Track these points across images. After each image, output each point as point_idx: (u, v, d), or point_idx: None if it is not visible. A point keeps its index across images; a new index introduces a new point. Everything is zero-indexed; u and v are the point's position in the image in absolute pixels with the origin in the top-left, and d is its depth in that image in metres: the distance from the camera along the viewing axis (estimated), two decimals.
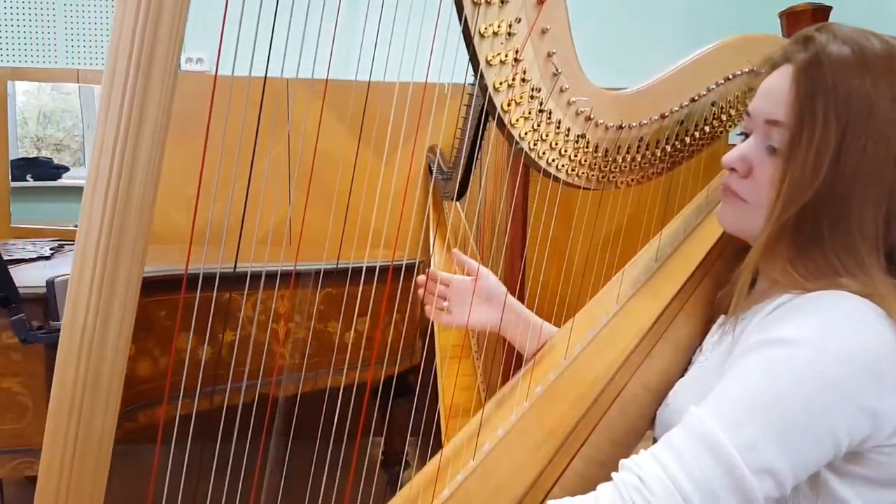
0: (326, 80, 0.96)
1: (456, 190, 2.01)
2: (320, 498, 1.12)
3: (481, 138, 1.69)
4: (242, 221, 1.03)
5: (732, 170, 0.85)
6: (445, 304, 1.15)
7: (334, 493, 1.12)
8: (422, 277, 1.17)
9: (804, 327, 0.70)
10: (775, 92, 0.80)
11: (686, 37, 2.77)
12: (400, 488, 1.04)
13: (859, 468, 0.71)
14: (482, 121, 1.62)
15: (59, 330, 1.22)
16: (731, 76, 1.11)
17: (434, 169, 2.40)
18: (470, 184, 1.98)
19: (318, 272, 1.81)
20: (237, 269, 1.68)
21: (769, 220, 0.78)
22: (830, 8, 1.28)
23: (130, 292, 0.79)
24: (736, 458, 0.66)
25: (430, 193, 2.63)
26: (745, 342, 0.76)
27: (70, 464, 0.78)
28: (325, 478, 1.09)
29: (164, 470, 0.94)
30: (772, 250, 0.79)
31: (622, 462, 0.73)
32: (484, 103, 1.00)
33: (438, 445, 1.08)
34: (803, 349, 0.69)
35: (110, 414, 0.80)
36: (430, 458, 1.03)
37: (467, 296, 1.15)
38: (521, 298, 1.24)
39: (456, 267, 1.16)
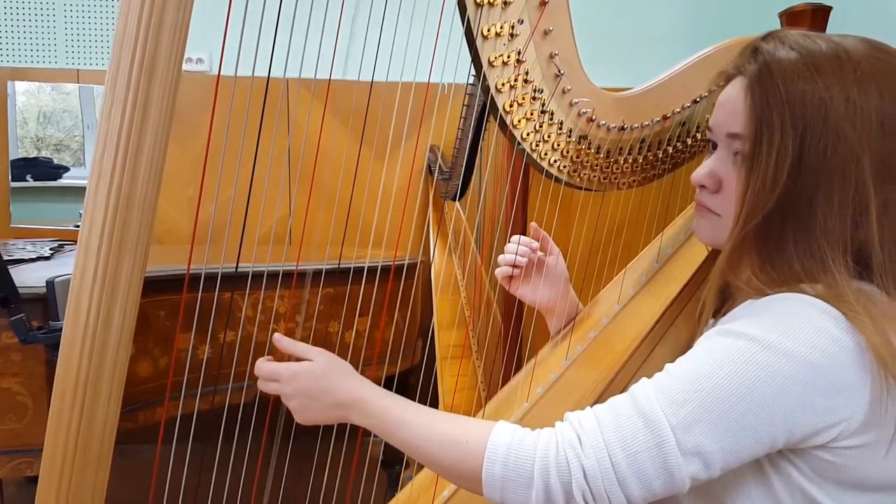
0: (329, 80, 0.96)
1: (454, 190, 2.01)
2: (321, 497, 1.12)
3: (481, 138, 1.69)
4: (245, 221, 1.03)
5: (703, 186, 0.86)
6: (514, 271, 1.14)
7: (335, 492, 1.12)
8: (518, 238, 1.14)
9: (755, 325, 0.72)
10: (731, 105, 0.80)
11: (686, 37, 2.77)
12: (400, 488, 1.05)
13: (821, 467, 0.72)
14: (482, 121, 1.62)
15: (58, 330, 1.23)
16: None
17: (434, 169, 2.41)
18: (470, 183, 1.98)
19: (318, 272, 1.81)
20: (237, 269, 1.68)
21: (733, 231, 0.79)
22: (830, 8, 1.29)
23: (133, 288, 0.79)
24: (669, 435, 0.69)
25: (431, 193, 2.63)
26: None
27: (72, 458, 0.79)
28: (325, 477, 1.09)
29: (165, 468, 0.94)
30: (738, 260, 0.80)
31: (567, 414, 0.76)
32: (485, 103, 1.00)
33: None
34: (751, 343, 0.70)
35: (112, 408, 0.80)
36: None
37: (532, 269, 1.14)
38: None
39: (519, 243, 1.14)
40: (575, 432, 0.73)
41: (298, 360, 0.90)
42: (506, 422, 0.78)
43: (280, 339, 0.91)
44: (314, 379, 0.87)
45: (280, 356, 0.92)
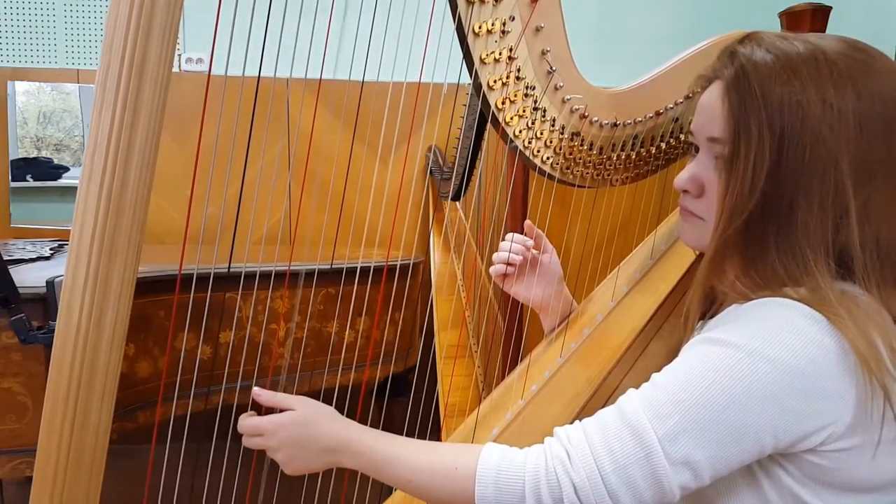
0: (320, 79, 0.96)
1: (454, 190, 2.01)
2: (316, 496, 1.12)
3: (481, 138, 1.69)
4: (236, 221, 1.03)
5: (686, 191, 0.85)
6: (508, 269, 1.13)
7: (331, 491, 1.12)
8: (516, 236, 1.13)
9: (738, 331, 0.72)
10: (710, 109, 0.80)
11: (685, 37, 2.76)
12: (395, 488, 1.04)
13: (810, 470, 0.72)
14: (482, 120, 1.62)
15: None
16: None
17: (433, 169, 2.41)
18: (469, 183, 1.98)
19: (316, 272, 1.81)
20: (235, 270, 1.68)
21: (714, 235, 0.79)
22: (830, 8, 1.28)
23: (125, 289, 0.79)
24: (657, 446, 0.69)
25: (429, 192, 2.63)
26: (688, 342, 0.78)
27: (66, 458, 0.79)
28: (321, 475, 1.09)
29: (161, 468, 0.94)
30: (720, 265, 0.80)
31: (556, 429, 0.76)
32: (479, 102, 1.00)
33: None
34: (734, 350, 0.70)
35: (106, 408, 0.80)
36: None
37: (526, 267, 1.14)
38: None
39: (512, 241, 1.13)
40: (563, 447, 0.73)
41: (281, 411, 0.88)
42: (493, 443, 0.78)
43: (259, 394, 0.89)
44: (299, 427, 0.86)
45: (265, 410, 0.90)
